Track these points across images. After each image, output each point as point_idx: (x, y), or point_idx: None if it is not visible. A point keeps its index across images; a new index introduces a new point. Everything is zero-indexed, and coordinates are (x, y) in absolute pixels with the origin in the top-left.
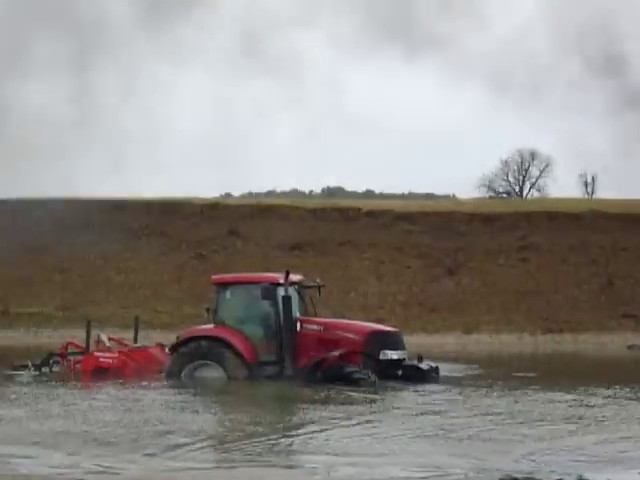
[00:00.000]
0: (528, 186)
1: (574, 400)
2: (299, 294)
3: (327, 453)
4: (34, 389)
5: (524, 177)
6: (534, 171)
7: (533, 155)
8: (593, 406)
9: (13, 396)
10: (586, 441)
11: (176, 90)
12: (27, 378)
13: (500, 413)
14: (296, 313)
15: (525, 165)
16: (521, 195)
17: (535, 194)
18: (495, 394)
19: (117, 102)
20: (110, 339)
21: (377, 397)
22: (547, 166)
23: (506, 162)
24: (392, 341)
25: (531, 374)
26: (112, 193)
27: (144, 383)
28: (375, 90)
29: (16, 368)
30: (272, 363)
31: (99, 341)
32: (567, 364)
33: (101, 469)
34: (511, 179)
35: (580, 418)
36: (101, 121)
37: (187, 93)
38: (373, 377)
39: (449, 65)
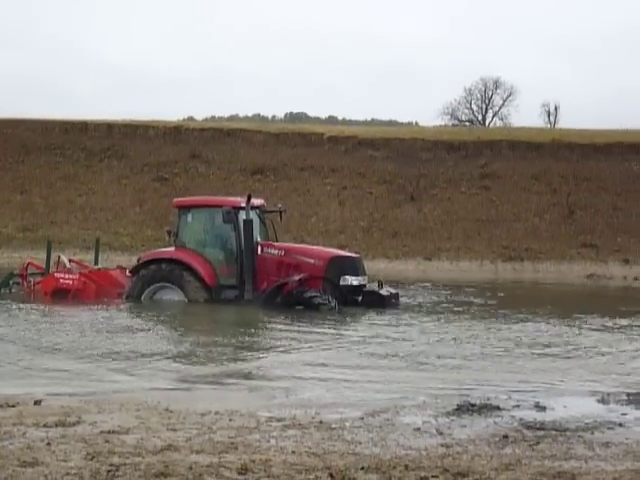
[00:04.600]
0: (491, 115)
1: (532, 328)
2: (260, 218)
3: (286, 377)
4: None
5: (487, 105)
6: (497, 100)
7: (497, 84)
8: (552, 334)
9: None
10: (543, 369)
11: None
12: None
13: (459, 340)
14: (257, 237)
15: (488, 94)
16: (484, 124)
17: (498, 123)
18: (454, 321)
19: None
20: (70, 261)
21: (337, 322)
22: (510, 95)
23: (469, 90)
24: (353, 267)
25: (491, 301)
26: (74, 115)
27: (104, 305)
28: (337, 18)
29: None
30: (232, 287)
31: (59, 262)
32: (526, 292)
33: (59, 390)
34: (474, 107)
35: (538, 346)
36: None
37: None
38: (333, 302)
39: None
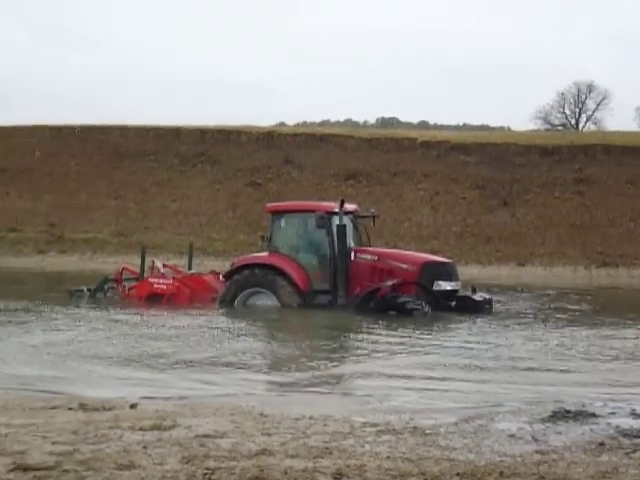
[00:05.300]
0: (584, 119)
1: (631, 336)
2: (353, 223)
3: (379, 382)
4: (89, 313)
5: (580, 110)
6: (590, 104)
7: (590, 87)
8: None
9: (67, 319)
10: None
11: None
12: (83, 302)
13: (556, 346)
14: (350, 242)
15: (582, 97)
16: (577, 128)
17: (591, 127)
18: (550, 327)
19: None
20: (164, 265)
21: (430, 328)
22: (604, 99)
23: (562, 94)
24: (446, 272)
25: (588, 307)
26: (167, 121)
27: (197, 310)
28: (428, 20)
29: (71, 293)
30: (325, 292)
31: (153, 267)
32: (623, 299)
33: (153, 394)
34: (567, 111)
35: (637, 354)
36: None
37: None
38: (427, 308)
39: None
